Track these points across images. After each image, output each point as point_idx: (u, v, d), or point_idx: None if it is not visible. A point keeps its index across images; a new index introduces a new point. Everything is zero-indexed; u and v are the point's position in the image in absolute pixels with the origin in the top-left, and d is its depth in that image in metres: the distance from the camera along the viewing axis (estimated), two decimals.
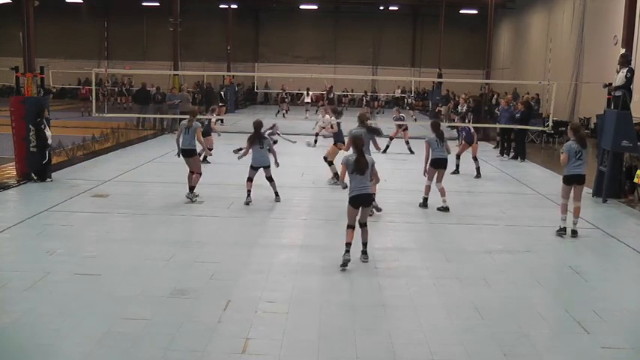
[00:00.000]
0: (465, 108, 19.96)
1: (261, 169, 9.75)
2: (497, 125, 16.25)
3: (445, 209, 9.51)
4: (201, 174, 10.07)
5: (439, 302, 5.85)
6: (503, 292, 6.15)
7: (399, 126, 16.50)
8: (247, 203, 9.62)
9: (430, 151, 9.57)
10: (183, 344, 4.78)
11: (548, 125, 14.01)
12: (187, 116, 10.59)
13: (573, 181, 8.52)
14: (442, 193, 9.59)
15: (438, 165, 9.63)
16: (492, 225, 8.97)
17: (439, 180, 9.64)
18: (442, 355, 4.74)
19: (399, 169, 13.69)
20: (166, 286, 5.94)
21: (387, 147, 15.82)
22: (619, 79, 10.76)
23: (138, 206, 9.42)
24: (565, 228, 8.35)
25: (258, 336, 4.97)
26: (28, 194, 10.10)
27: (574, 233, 8.31)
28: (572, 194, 8.49)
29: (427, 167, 9.66)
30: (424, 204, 9.78)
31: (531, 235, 8.42)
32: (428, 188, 9.74)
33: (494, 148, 17.90)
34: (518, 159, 15.69)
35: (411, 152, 15.94)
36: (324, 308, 5.54)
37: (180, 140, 10.02)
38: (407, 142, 16.41)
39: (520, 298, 6.00)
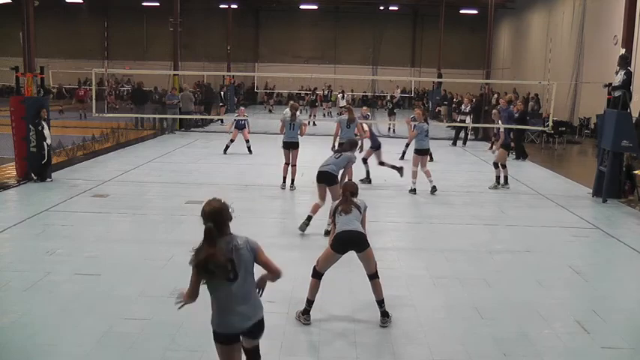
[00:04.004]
0: (468, 108, 19.90)
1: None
2: (498, 125, 16.21)
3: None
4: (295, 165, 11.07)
5: (439, 302, 5.85)
6: (503, 292, 6.15)
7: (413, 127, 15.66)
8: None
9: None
10: (183, 344, 4.78)
11: (548, 125, 13.99)
12: (188, 116, 10.96)
13: (423, 153, 10.96)
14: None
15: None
16: (492, 225, 8.97)
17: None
18: (442, 355, 4.74)
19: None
20: (166, 286, 5.93)
21: (404, 153, 15.06)
22: (617, 81, 10.78)
23: (138, 206, 9.42)
24: (415, 189, 10.84)
25: None
26: (28, 194, 10.10)
27: (434, 189, 10.80)
28: (420, 163, 10.93)
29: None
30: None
31: (531, 235, 8.42)
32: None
33: (489, 149, 17.84)
34: (520, 159, 15.68)
35: (431, 159, 14.53)
36: (323, 308, 5.53)
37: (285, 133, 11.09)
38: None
39: (520, 298, 6.00)
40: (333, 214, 5.33)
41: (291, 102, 12.40)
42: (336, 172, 7.98)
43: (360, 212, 5.29)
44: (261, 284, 3.80)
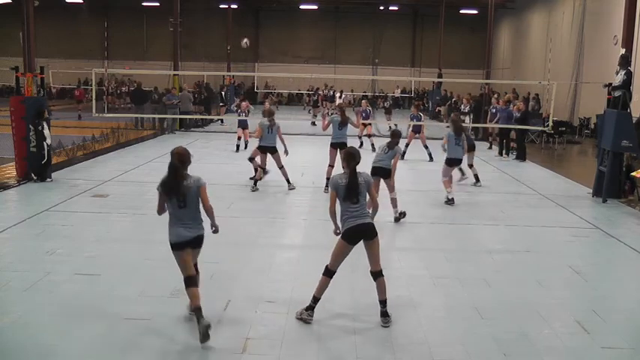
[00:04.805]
0: (467, 108, 19.91)
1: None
2: (496, 125, 16.27)
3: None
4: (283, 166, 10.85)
5: (439, 302, 5.85)
6: (503, 292, 6.15)
7: (414, 130, 15.26)
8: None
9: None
10: (183, 344, 4.78)
11: (548, 125, 14.00)
12: (188, 116, 10.85)
13: (454, 163, 10.18)
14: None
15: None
16: (492, 225, 8.97)
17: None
18: (442, 355, 4.74)
19: (399, 168, 13.64)
20: (166, 286, 5.94)
21: (404, 153, 14.77)
22: (617, 81, 10.79)
23: (138, 206, 9.41)
24: (453, 199, 9.98)
25: (258, 336, 4.97)
26: (28, 194, 10.10)
27: (449, 200, 10.00)
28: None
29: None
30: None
31: (531, 235, 8.42)
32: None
33: (488, 149, 17.90)
34: (520, 159, 15.67)
35: (431, 159, 14.69)
36: (324, 308, 5.53)
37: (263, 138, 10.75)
38: (426, 147, 15.09)
39: (520, 298, 6.00)
40: (336, 195, 5.25)
41: (270, 107, 12.25)
42: (390, 166, 8.64)
43: (366, 193, 5.29)
44: (213, 224, 5.18)
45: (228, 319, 5.29)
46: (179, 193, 4.88)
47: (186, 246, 4.96)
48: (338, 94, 28.32)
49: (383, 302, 5.28)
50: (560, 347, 4.96)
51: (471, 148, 11.99)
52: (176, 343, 4.80)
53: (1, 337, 4.88)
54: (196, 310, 4.85)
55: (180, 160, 4.90)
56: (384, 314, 5.27)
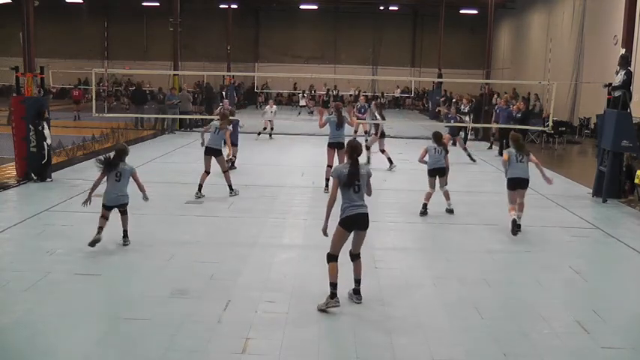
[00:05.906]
0: (467, 108, 19.89)
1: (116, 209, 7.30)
2: (496, 125, 16.26)
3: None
4: (227, 171, 10.53)
5: (439, 302, 5.85)
6: (503, 292, 6.15)
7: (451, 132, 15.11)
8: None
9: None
10: (183, 344, 4.78)
11: (548, 125, 14.00)
12: (187, 116, 10.83)
13: (518, 184, 8.31)
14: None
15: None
16: (492, 225, 8.96)
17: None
18: (442, 355, 4.74)
19: (398, 168, 13.66)
20: (166, 286, 5.94)
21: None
22: (617, 81, 10.79)
23: (137, 206, 9.35)
24: (520, 225, 8.17)
25: (258, 336, 4.97)
26: (28, 194, 10.10)
27: (516, 226, 8.12)
28: (518, 196, 8.39)
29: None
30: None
31: (531, 235, 8.41)
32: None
33: (488, 148, 17.90)
34: None
35: (472, 160, 14.97)
36: None
37: (208, 139, 10.42)
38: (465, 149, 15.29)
39: (520, 298, 6.00)
40: (341, 186, 5.55)
41: (223, 110, 12.33)
42: (444, 165, 9.41)
43: (365, 183, 5.64)
44: (143, 195, 7.54)
45: (228, 319, 5.29)
46: (117, 170, 7.02)
47: (113, 207, 7.12)
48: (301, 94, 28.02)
49: (358, 281, 5.70)
50: (560, 347, 4.96)
51: (382, 136, 13.57)
52: (176, 343, 4.80)
53: (1, 337, 4.88)
54: (99, 229, 7.03)
55: (119, 152, 7.21)
56: (357, 292, 5.67)
